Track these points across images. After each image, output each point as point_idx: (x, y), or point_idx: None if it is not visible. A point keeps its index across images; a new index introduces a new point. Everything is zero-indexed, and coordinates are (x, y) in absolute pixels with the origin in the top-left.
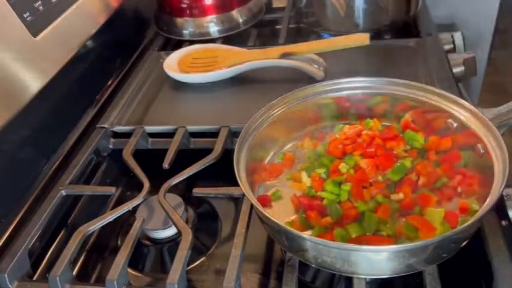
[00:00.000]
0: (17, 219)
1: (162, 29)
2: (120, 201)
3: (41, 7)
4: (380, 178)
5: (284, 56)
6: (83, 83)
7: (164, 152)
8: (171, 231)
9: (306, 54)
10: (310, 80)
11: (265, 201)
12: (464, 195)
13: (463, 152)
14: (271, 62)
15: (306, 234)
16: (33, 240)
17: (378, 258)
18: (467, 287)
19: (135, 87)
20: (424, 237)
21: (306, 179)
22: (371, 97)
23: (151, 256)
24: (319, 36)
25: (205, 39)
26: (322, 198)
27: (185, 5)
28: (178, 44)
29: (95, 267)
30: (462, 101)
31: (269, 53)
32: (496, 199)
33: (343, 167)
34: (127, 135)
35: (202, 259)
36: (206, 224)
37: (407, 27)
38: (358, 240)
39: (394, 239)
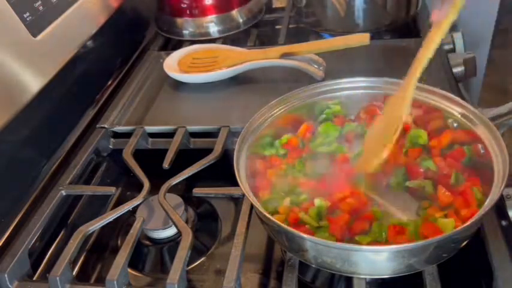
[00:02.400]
0: (17, 219)
1: (162, 29)
2: (120, 201)
3: (41, 7)
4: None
5: (284, 56)
6: (83, 83)
7: (164, 152)
8: (171, 231)
9: (306, 54)
10: (310, 80)
11: None
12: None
13: (466, 147)
14: (271, 62)
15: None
16: (33, 240)
17: (378, 258)
18: (467, 287)
19: (135, 87)
20: None
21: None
22: (371, 97)
23: (151, 256)
24: (319, 36)
25: (205, 39)
26: None
27: (185, 5)
28: (178, 44)
29: (95, 267)
30: (462, 101)
31: (269, 53)
32: (496, 199)
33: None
34: (127, 135)
35: (202, 259)
36: (206, 224)
37: (407, 27)
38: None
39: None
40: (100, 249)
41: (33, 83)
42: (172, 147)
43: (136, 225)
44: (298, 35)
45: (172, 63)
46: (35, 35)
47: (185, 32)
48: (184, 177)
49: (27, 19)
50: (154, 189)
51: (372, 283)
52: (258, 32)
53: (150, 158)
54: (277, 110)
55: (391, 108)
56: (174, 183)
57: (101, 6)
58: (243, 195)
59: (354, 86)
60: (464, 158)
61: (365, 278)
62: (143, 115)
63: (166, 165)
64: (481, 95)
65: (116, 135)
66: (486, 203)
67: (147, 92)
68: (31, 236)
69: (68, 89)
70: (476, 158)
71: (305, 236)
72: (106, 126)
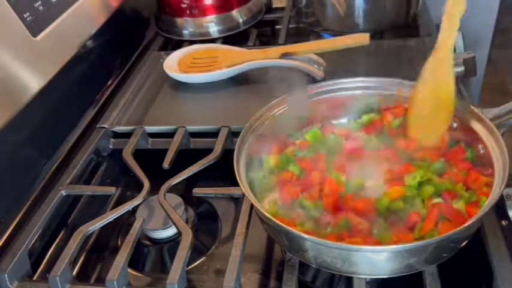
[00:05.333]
0: (17, 219)
1: (162, 29)
2: (120, 201)
3: (41, 7)
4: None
5: (284, 56)
6: (83, 83)
7: (164, 152)
8: (171, 231)
9: (306, 54)
10: (310, 80)
11: None
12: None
13: (469, 149)
14: (271, 62)
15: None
16: (33, 240)
17: (378, 258)
18: (467, 287)
19: (135, 87)
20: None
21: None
22: (371, 97)
23: (151, 256)
24: (319, 36)
25: (205, 39)
26: None
27: (185, 5)
28: (178, 44)
29: (95, 267)
30: (462, 101)
31: (269, 53)
32: (496, 199)
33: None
34: (127, 135)
35: (202, 259)
36: (206, 224)
37: (407, 27)
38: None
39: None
40: (100, 249)
41: (33, 83)
42: (172, 147)
43: (136, 225)
44: (298, 35)
45: (172, 63)
46: (35, 35)
47: (185, 32)
48: (184, 177)
49: (27, 19)
50: (154, 189)
51: (372, 283)
52: (258, 32)
53: (150, 158)
54: (277, 110)
55: (435, 75)
56: (174, 183)
57: (101, 6)
58: (243, 195)
59: (354, 86)
60: (464, 155)
61: (365, 278)
62: (143, 115)
63: (166, 165)
64: (481, 95)
65: (116, 135)
66: (486, 203)
67: (147, 92)
68: (31, 236)
69: (68, 89)
70: (476, 158)
71: (305, 236)
72: (106, 126)
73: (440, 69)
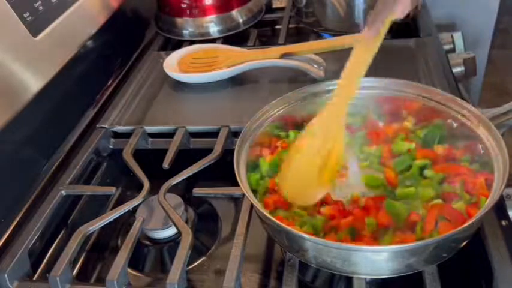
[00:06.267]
0: (17, 219)
1: (162, 29)
2: (120, 201)
3: (41, 7)
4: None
5: (284, 56)
6: (83, 83)
7: (164, 152)
8: (171, 231)
9: (306, 54)
10: (310, 80)
11: None
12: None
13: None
14: (271, 62)
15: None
16: (33, 240)
17: (378, 258)
18: (467, 287)
19: (135, 87)
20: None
21: None
22: (371, 97)
23: (151, 256)
24: (319, 36)
25: (205, 39)
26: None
27: (185, 5)
28: (178, 44)
29: (95, 267)
30: (462, 101)
31: (269, 53)
32: (496, 199)
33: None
34: (127, 135)
35: (202, 259)
36: (206, 224)
37: (407, 27)
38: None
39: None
40: (100, 249)
41: (33, 83)
42: (172, 147)
43: (136, 225)
44: (298, 35)
45: (172, 63)
46: (35, 35)
47: (185, 32)
48: (184, 177)
49: (27, 19)
50: (154, 189)
51: (371, 283)
52: (258, 32)
53: (150, 158)
54: (277, 110)
55: (325, 133)
56: (174, 183)
57: (101, 6)
58: (243, 195)
59: None
60: (462, 157)
61: (365, 278)
62: (143, 115)
63: (166, 165)
64: (481, 95)
65: (116, 135)
66: (486, 203)
67: (147, 92)
68: (31, 236)
69: (68, 89)
70: (476, 158)
71: (305, 236)
72: (106, 126)
73: (332, 125)
